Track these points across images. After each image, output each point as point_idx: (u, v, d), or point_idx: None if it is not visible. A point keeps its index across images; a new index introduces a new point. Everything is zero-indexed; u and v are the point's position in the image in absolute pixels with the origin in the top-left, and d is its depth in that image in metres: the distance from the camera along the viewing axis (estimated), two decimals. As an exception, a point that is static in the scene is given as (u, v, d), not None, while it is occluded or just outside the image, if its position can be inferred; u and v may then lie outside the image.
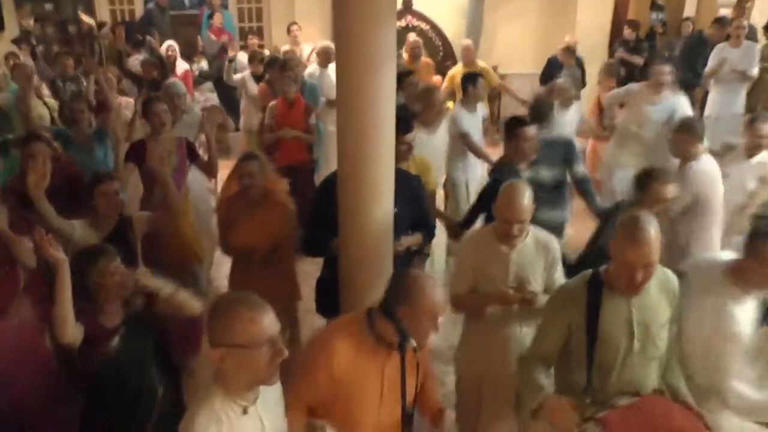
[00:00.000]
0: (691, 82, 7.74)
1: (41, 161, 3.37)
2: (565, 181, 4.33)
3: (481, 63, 7.57)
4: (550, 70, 8.17)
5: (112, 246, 2.90)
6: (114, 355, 2.72)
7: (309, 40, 8.50)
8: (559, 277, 3.04)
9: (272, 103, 5.87)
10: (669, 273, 2.59)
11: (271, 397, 1.98)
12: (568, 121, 5.92)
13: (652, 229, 2.33)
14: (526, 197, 2.88)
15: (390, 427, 2.32)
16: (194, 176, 4.81)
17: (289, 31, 8.52)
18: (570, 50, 8.06)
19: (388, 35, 2.85)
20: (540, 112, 5.04)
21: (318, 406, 2.26)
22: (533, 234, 3.01)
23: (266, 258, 3.74)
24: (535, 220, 3.03)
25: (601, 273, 2.51)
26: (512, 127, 4.06)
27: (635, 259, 2.32)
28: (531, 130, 4.01)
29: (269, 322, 1.81)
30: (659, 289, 2.52)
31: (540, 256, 3.00)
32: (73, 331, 2.57)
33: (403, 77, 5.24)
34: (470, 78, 5.68)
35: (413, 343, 2.13)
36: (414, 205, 3.52)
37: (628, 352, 2.48)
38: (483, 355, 3.09)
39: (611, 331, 2.46)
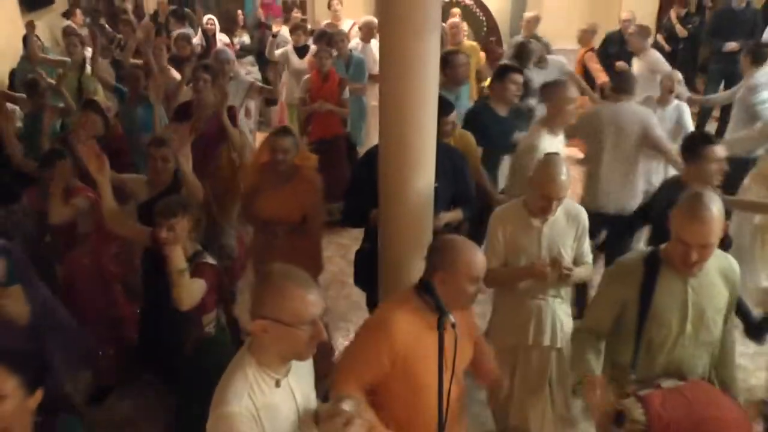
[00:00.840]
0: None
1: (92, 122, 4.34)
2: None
3: (469, 42, 7.27)
4: (606, 47, 7.98)
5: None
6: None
7: (351, 15, 8.43)
8: (587, 248, 3.07)
9: (306, 76, 5.89)
10: (731, 259, 2.51)
11: (302, 370, 1.97)
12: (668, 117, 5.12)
13: (715, 209, 2.23)
14: (565, 173, 2.86)
15: (455, 399, 2.27)
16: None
17: (329, 5, 8.46)
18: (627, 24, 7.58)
19: (434, 5, 2.81)
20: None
21: (378, 385, 2.25)
22: (563, 206, 2.99)
23: (288, 231, 3.69)
24: None
25: (660, 250, 2.45)
26: (695, 146, 3.35)
27: (692, 237, 2.25)
28: (719, 151, 3.29)
29: (316, 302, 1.79)
30: (719, 273, 2.44)
31: (571, 228, 3.01)
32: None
33: (506, 72, 4.48)
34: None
35: (452, 319, 2.09)
36: (455, 179, 3.47)
37: (680, 334, 2.42)
38: (516, 327, 3.08)
39: (664, 310, 2.40)
